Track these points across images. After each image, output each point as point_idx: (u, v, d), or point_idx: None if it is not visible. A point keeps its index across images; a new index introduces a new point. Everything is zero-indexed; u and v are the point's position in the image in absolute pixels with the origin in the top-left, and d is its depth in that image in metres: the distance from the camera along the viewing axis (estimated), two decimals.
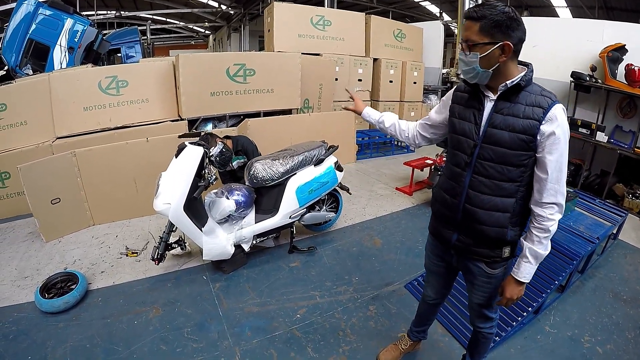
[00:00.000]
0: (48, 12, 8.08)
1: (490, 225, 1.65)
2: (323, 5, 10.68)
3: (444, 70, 10.11)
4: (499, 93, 1.56)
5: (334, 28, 7.50)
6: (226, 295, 3.10)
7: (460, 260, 1.87)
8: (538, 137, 1.50)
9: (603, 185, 5.72)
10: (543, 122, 1.48)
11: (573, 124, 5.96)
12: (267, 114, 5.90)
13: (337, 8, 10.26)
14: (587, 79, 5.74)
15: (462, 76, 1.61)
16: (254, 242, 3.53)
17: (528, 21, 7.39)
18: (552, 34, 6.49)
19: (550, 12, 12.90)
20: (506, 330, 2.69)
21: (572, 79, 5.94)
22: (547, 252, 1.63)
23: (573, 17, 12.12)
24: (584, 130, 5.83)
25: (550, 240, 2.53)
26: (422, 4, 16.75)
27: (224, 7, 19.38)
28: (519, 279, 1.67)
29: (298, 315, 2.88)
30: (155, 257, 3.20)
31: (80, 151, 4.21)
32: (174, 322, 2.79)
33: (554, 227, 1.58)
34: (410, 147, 1.82)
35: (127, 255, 3.68)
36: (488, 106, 1.61)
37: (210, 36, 26.99)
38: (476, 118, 1.63)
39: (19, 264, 3.61)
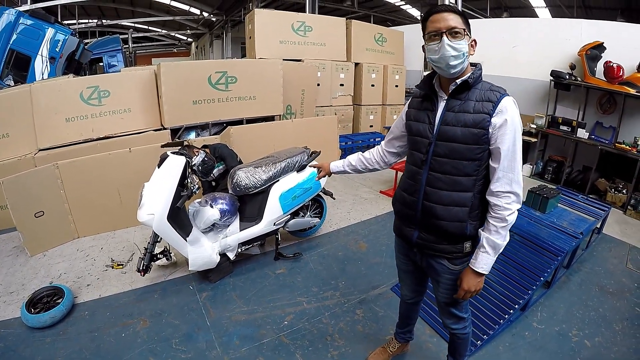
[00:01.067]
0: (29, 22, 7.96)
1: (449, 220, 1.68)
2: (304, 11, 10.71)
3: (426, 73, 10.25)
4: (450, 91, 1.63)
5: (315, 33, 7.52)
6: (213, 305, 3.10)
7: (423, 258, 1.90)
8: (490, 130, 1.55)
9: (586, 181, 5.88)
10: (493, 115, 1.54)
11: (554, 121, 6.14)
12: (250, 121, 5.87)
13: (319, 13, 10.29)
14: (567, 77, 5.90)
15: (440, 65, 1.58)
16: (239, 250, 3.54)
17: (507, 22, 7.54)
18: (531, 34, 6.66)
19: (530, 12, 13.12)
20: (493, 328, 2.73)
21: (552, 78, 6.10)
22: (505, 243, 1.64)
23: (552, 17, 12.36)
24: (565, 128, 5.99)
25: (535, 237, 2.55)
26: (403, 7, 16.91)
27: (205, 14, 19.29)
28: (476, 269, 1.68)
29: (285, 322, 2.90)
30: (141, 268, 3.18)
31: (62, 163, 4.17)
32: (162, 334, 2.78)
33: (511, 217, 1.60)
34: (382, 169, 1.86)
35: (112, 268, 3.64)
36: (441, 106, 1.68)
37: (193, 44, 26.91)
38: (430, 118, 1.69)
39: (4, 279, 3.55)
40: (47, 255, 3.95)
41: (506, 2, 13.91)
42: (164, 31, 25.00)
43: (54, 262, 3.79)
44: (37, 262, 3.83)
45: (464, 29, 1.54)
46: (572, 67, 5.91)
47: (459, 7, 7.74)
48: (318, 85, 7.44)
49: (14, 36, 7.82)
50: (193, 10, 19.09)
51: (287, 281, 3.43)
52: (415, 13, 16.97)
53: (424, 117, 1.72)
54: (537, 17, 12.63)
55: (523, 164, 6.44)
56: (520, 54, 6.72)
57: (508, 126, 1.53)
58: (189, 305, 3.10)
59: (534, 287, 2.95)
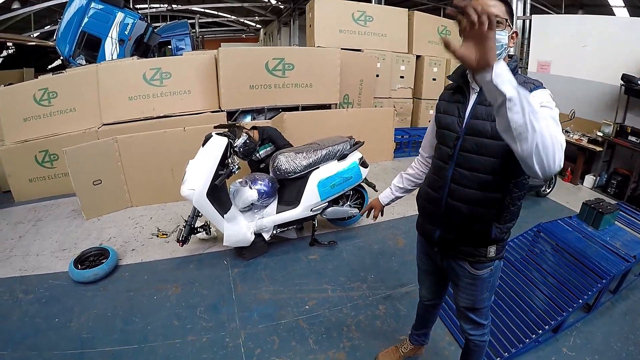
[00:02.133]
0: (99, 6, 8.63)
1: (473, 220, 1.63)
2: (369, 1, 10.75)
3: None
4: None
5: (376, 24, 7.53)
6: (242, 281, 3.30)
7: (444, 259, 1.86)
8: None
9: None
10: None
11: (622, 131, 5.70)
12: (305, 108, 6.05)
13: (386, 3, 10.26)
14: (639, 82, 5.46)
15: None
16: (275, 232, 3.71)
17: (577, 19, 7.06)
18: (603, 33, 6.14)
19: (607, 11, 12.24)
20: (517, 346, 2.57)
21: (622, 82, 5.64)
22: (530, 108, 1.08)
23: (630, 17, 11.50)
24: (633, 139, 5.54)
25: (581, 254, 2.49)
26: None
27: (274, 1, 19.82)
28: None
29: (307, 307, 3.01)
30: (180, 239, 3.46)
31: (121, 137, 4.59)
32: (190, 301, 3.03)
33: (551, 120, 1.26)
34: None
35: (157, 236, 3.99)
36: (472, 98, 1.61)
37: (261, 30, 27.60)
38: (460, 111, 1.63)
39: (59, 238, 4.04)
40: (100, 220, 4.42)
41: None
42: (232, 17, 25.99)
43: (106, 227, 4.23)
44: (91, 225, 4.30)
45: (506, 19, 1.48)
46: None
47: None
48: (377, 76, 7.46)
49: (86, 19, 8.54)
50: None
51: (318, 267, 3.55)
52: None
53: (454, 110, 1.66)
54: (615, 15, 11.80)
55: (586, 174, 6.09)
56: (589, 55, 6.23)
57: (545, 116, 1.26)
58: (219, 278, 3.33)
59: (571, 309, 2.74)
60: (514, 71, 1.49)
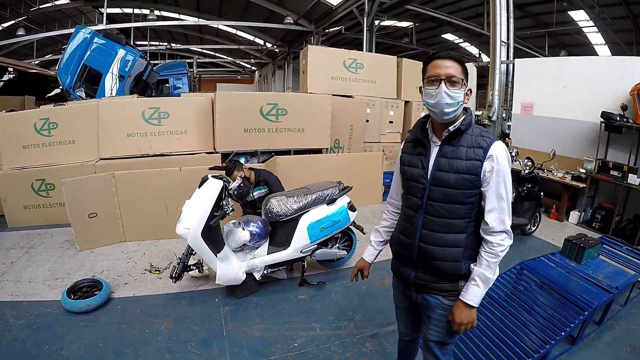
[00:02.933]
0: (102, 42, 9.07)
1: (445, 260, 1.82)
2: (362, 48, 11.32)
3: (477, 113, 10.32)
4: (443, 137, 1.79)
5: (366, 71, 7.98)
6: (233, 318, 3.44)
7: (418, 294, 1.98)
8: (481, 175, 1.72)
9: (636, 230, 5.65)
10: (484, 160, 1.71)
11: (604, 166, 5.97)
12: (297, 152, 6.33)
13: (377, 50, 10.79)
14: (618, 118, 5.73)
15: (435, 109, 1.74)
16: (265, 271, 3.88)
17: (557, 61, 7.53)
18: (582, 73, 6.56)
19: (589, 49, 13.05)
20: None
21: (602, 120, 5.93)
22: (495, 277, 1.78)
23: (612, 54, 12.18)
24: (615, 173, 5.80)
25: (563, 289, 2.51)
26: (462, 45, 17.30)
27: (269, 45, 20.65)
28: (467, 301, 1.78)
29: (296, 344, 3.15)
30: (173, 275, 3.60)
31: (119, 173, 4.81)
32: (181, 336, 3.16)
33: (503, 253, 1.75)
34: None
35: (150, 272, 4.14)
36: (434, 151, 1.83)
37: (256, 72, 28.52)
38: (423, 163, 1.84)
39: (52, 267, 4.21)
40: (94, 252, 4.58)
41: (565, 40, 13.99)
42: (229, 58, 26.88)
43: (99, 259, 4.38)
44: (85, 257, 4.46)
45: (462, 79, 1.72)
46: (624, 107, 5.72)
47: (511, 40, 7.98)
48: (367, 121, 7.80)
49: (88, 53, 8.95)
50: (257, 40, 20.53)
51: (307, 307, 3.69)
52: (474, 51, 17.38)
53: (417, 162, 1.86)
54: (597, 54, 12.49)
55: (571, 210, 6.33)
56: (570, 94, 6.64)
57: (499, 170, 1.70)
58: (211, 315, 3.47)
59: (553, 342, 2.84)
60: (468, 125, 1.79)
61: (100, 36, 9.13)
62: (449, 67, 1.71)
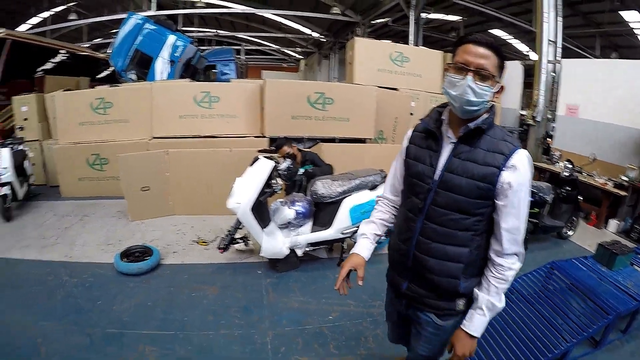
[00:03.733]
0: (153, 27, 9.61)
1: (441, 275, 1.63)
2: (408, 40, 11.39)
3: (522, 112, 10.22)
4: (460, 135, 1.55)
5: (412, 64, 8.08)
6: (274, 290, 3.73)
7: (409, 308, 1.84)
8: (497, 186, 1.49)
9: None
10: (503, 169, 1.47)
11: None
12: (342, 140, 6.54)
13: (423, 43, 10.80)
14: None
15: (455, 102, 1.50)
16: (307, 249, 4.16)
17: (605, 64, 7.44)
18: (631, 77, 6.40)
19: None
20: None
21: None
22: (503, 306, 1.62)
23: None
24: None
25: (590, 290, 2.42)
26: (510, 41, 17.01)
27: (315, 34, 20.93)
28: (470, 332, 1.63)
29: (330, 317, 3.39)
30: (221, 246, 3.96)
31: (172, 151, 5.24)
32: (225, 302, 3.49)
33: (513, 277, 1.59)
34: None
35: (198, 243, 4.52)
36: (447, 149, 1.59)
37: (302, 61, 28.84)
38: (432, 160, 1.60)
39: (105, 234, 4.70)
40: (144, 223, 5.02)
41: (617, 41, 13.60)
42: (275, 46, 27.39)
43: (150, 230, 4.81)
44: (136, 226, 4.91)
45: (494, 75, 1.46)
46: None
47: (559, 39, 7.67)
48: (411, 114, 7.85)
49: (140, 38, 9.50)
50: (304, 29, 20.85)
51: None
52: (523, 48, 17.03)
53: (426, 157, 1.63)
54: None
55: (611, 218, 6.19)
56: (617, 99, 6.49)
57: (520, 184, 1.49)
58: (253, 285, 3.78)
59: (575, 340, 2.88)
60: (490, 124, 1.54)
61: (151, 22, 9.67)
62: (482, 56, 1.45)
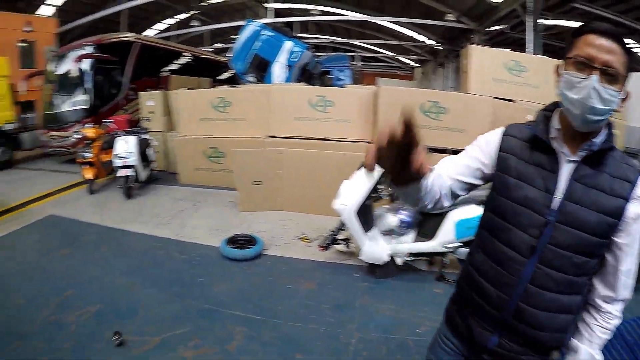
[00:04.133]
0: (270, 34, 10.22)
1: (549, 330, 1.27)
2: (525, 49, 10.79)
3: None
4: (582, 154, 1.20)
5: (530, 74, 7.47)
6: (368, 294, 3.75)
7: None
8: (622, 220, 1.19)
9: None
10: (631, 200, 1.17)
11: None
12: (455, 152, 6.37)
13: (543, 52, 10.14)
14: None
15: (575, 110, 1.13)
16: (407, 259, 4.09)
17: None
18: None
19: None
20: None
21: None
22: None
23: None
24: None
25: None
26: (636, 49, 15.27)
27: (430, 42, 20.66)
28: None
29: (419, 330, 3.29)
30: (323, 244, 4.09)
31: (286, 150, 5.55)
32: (319, 298, 3.59)
33: (615, 328, 1.31)
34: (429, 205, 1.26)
35: (300, 239, 4.71)
36: (566, 169, 1.21)
37: (417, 69, 28.55)
38: (547, 183, 1.22)
39: (215, 220, 5.15)
40: (252, 215, 5.36)
41: None
42: (390, 53, 27.52)
43: (257, 221, 5.14)
44: (244, 217, 5.28)
45: (624, 76, 1.14)
46: None
47: None
48: None
49: (258, 43, 10.13)
50: (418, 37, 20.68)
51: (439, 300, 3.75)
52: None
53: (536, 179, 1.23)
54: None
55: None
56: None
57: None
58: (349, 287, 3.83)
59: None
60: (610, 150, 1.21)
61: (269, 29, 10.32)
62: (609, 50, 1.09)
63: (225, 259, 4.20)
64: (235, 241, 4.37)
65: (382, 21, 18.56)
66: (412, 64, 29.20)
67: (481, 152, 1.35)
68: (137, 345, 3.09)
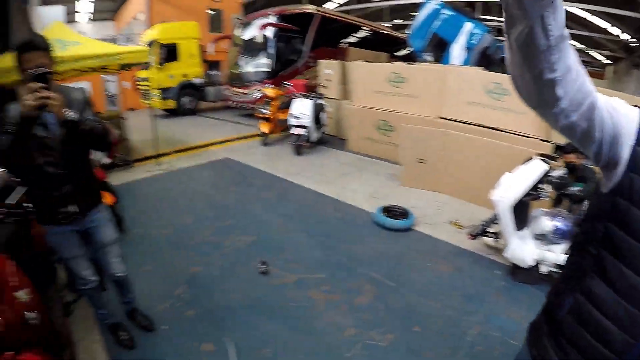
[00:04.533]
0: (450, 13, 9.89)
1: None
2: None
3: None
4: None
5: None
6: (502, 293, 3.68)
7: None
8: None
9: None
10: None
11: None
12: None
13: None
14: None
15: None
16: (553, 269, 3.85)
17: None
18: None
19: None
20: None
21: None
22: None
23: None
24: None
25: None
26: None
27: (625, 37, 18.05)
28: None
29: None
30: (472, 233, 4.10)
31: (454, 133, 5.56)
32: (453, 282, 3.69)
33: None
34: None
35: (451, 224, 4.76)
36: None
37: (609, 67, 25.18)
38: None
39: (374, 188, 5.56)
40: (410, 190, 5.60)
41: None
42: (580, 46, 24.72)
43: (413, 197, 5.36)
44: (402, 191, 5.57)
45: None
46: None
47: None
48: None
49: (437, 22, 9.92)
50: (612, 30, 18.18)
51: None
52: None
53: None
54: None
55: None
56: None
57: None
58: (485, 281, 3.82)
59: None
60: None
61: (449, 8, 9.95)
62: None
63: (376, 225, 4.53)
64: (389, 211, 4.64)
65: (574, 7, 16.71)
66: (605, 61, 25.63)
67: (613, 123, 0.91)
68: (277, 278, 3.68)
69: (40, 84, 1.87)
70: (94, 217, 2.55)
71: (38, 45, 2.07)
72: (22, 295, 2.20)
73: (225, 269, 3.85)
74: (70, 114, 2.06)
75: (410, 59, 11.02)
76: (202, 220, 4.85)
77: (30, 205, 2.71)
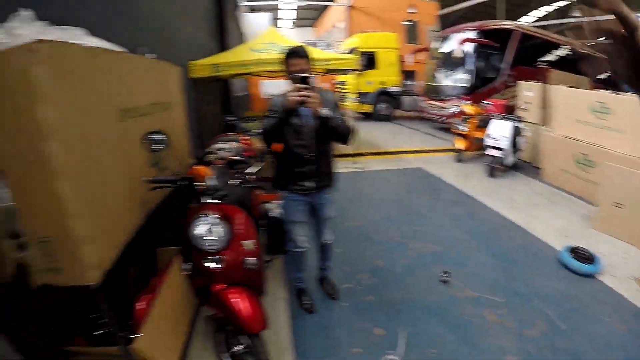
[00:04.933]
0: None
1: None
2: None
3: None
4: None
5: None
6: None
7: None
8: None
9: None
10: None
11: None
12: None
13: None
14: None
15: None
16: None
17: None
18: None
19: None
20: None
21: None
22: None
23: None
24: None
25: None
26: None
27: None
28: None
29: None
30: None
31: None
32: (624, 344, 3.33)
33: None
34: None
35: (635, 281, 4.23)
36: None
37: None
38: None
39: (563, 225, 5.44)
40: (602, 235, 5.19)
41: None
42: None
43: (603, 244, 4.93)
44: (593, 234, 5.21)
45: None
46: None
47: None
48: None
49: None
50: None
51: None
52: None
53: None
54: None
55: None
56: None
57: None
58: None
59: None
60: None
61: None
62: None
63: (559, 263, 4.44)
64: (576, 252, 4.45)
65: None
66: None
67: None
68: (455, 289, 3.99)
69: (303, 85, 2.51)
70: (324, 196, 3.25)
71: (300, 53, 2.73)
72: (249, 244, 2.67)
73: (407, 268, 4.32)
74: (324, 111, 2.65)
75: (614, 85, 9.86)
76: (391, 221, 5.45)
77: (263, 177, 3.49)
